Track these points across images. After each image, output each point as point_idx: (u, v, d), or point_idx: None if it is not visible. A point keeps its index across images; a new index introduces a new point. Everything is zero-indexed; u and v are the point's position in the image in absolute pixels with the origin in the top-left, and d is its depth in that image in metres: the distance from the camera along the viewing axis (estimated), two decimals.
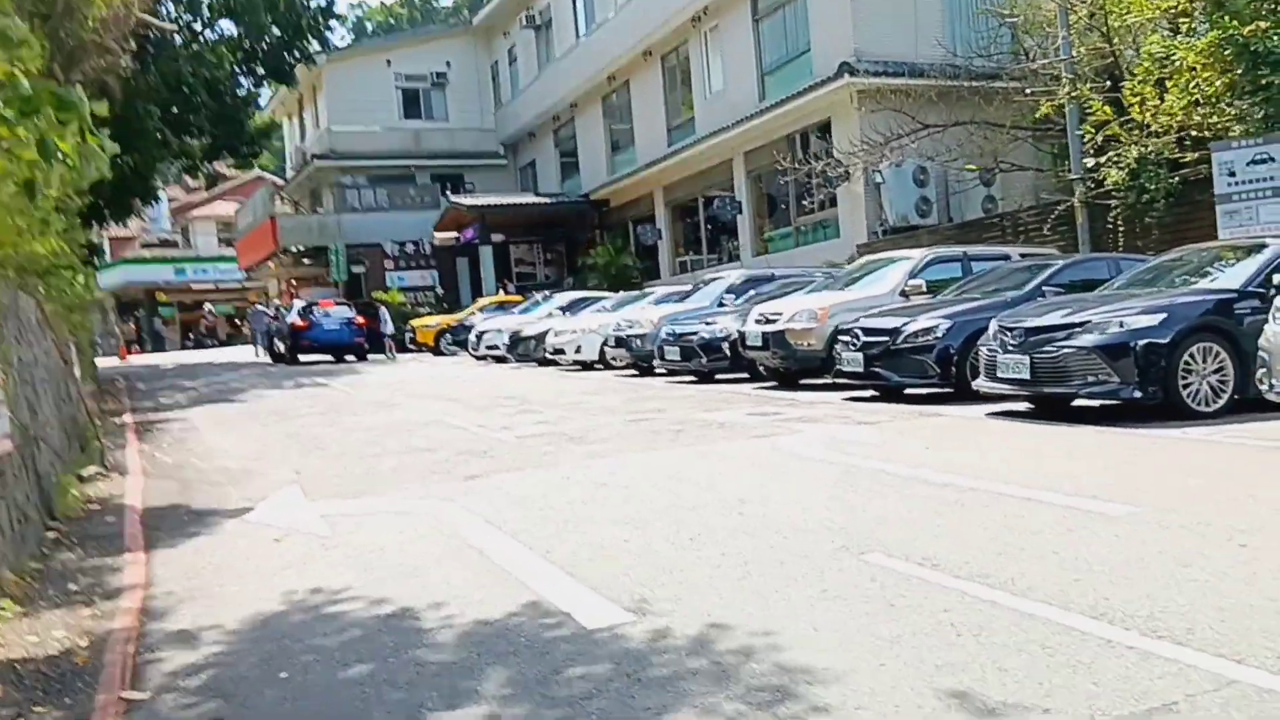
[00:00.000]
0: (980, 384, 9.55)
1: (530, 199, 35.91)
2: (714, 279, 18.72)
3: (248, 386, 20.47)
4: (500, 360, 24.43)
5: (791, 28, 24.81)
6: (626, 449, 9.04)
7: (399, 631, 4.35)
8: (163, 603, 5.17)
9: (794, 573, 4.68)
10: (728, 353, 15.00)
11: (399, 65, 40.24)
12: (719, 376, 15.78)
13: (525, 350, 21.89)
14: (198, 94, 27.95)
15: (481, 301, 31.39)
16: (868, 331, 11.20)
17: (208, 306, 52.39)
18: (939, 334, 10.62)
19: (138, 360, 40.78)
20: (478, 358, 25.82)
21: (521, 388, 16.67)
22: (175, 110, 28.08)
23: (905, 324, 10.87)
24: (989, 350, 9.28)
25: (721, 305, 17.26)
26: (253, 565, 5.87)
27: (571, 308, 23.87)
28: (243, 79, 32.27)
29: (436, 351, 30.18)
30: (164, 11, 28.55)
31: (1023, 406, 9.92)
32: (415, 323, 31.67)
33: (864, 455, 7.81)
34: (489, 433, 10.88)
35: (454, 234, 36.23)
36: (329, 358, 29.23)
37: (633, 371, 18.55)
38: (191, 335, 52.53)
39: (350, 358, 29.30)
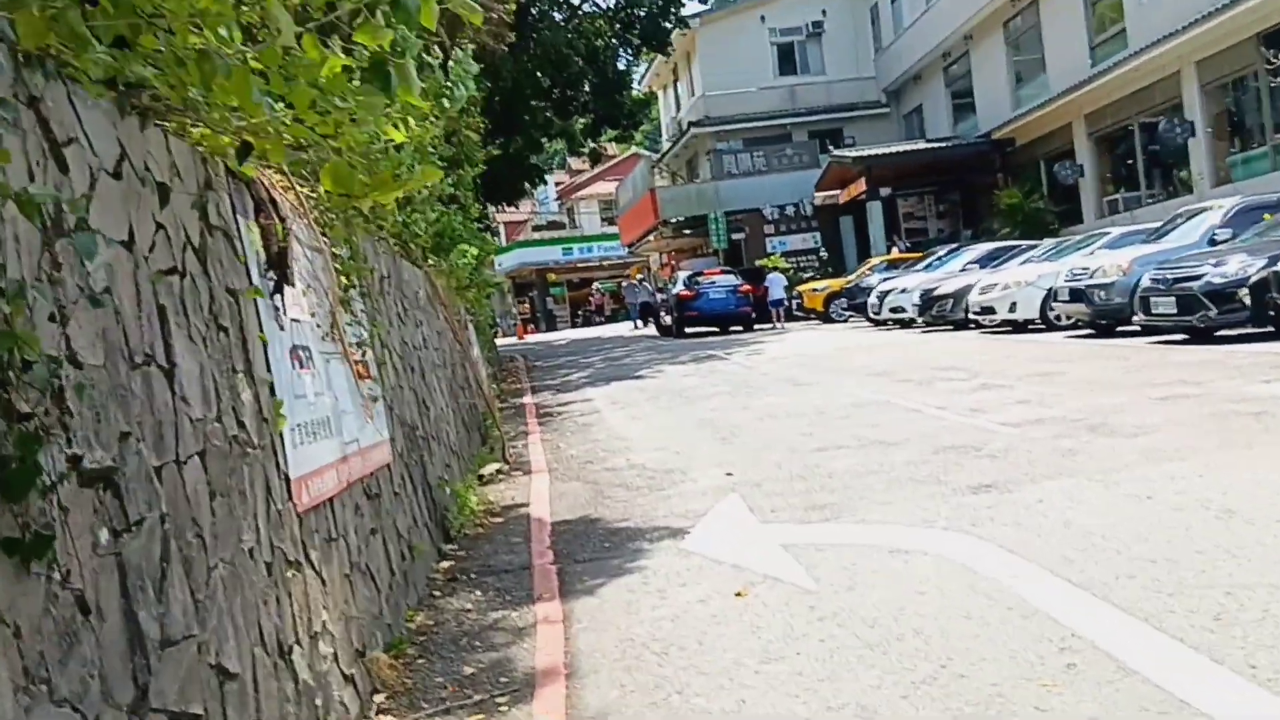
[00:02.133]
0: None
1: (920, 145, 32.55)
2: (1194, 212, 14.80)
3: (642, 363, 19.31)
4: (904, 324, 21.67)
5: None
6: (1194, 445, 6.15)
7: None
8: None
9: None
10: (1246, 302, 11.35)
11: (772, 20, 38.21)
12: (1221, 334, 12.15)
13: (941, 311, 18.97)
14: (577, 66, 27.56)
15: (871, 261, 28.66)
16: None
17: (596, 285, 53.83)
18: None
19: (533, 338, 42.24)
20: (877, 322, 23.22)
21: (956, 355, 13.91)
22: (557, 89, 27.93)
23: None
24: None
25: (1214, 242, 13.47)
26: (714, 649, 3.81)
27: (989, 260, 20.59)
28: (621, 51, 31.86)
29: (825, 318, 27.89)
30: None
31: None
32: (802, 288, 29.56)
33: None
34: (958, 418, 8.34)
35: (837, 191, 33.76)
36: (714, 329, 27.87)
37: (1087, 331, 15.14)
38: (580, 312, 54.20)
39: (737, 328, 27.75)
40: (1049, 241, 19.57)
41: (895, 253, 29.25)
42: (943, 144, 31.92)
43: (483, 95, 18.89)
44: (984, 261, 20.69)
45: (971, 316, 17.59)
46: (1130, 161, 25.48)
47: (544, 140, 27.79)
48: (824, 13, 38.27)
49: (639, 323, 40.83)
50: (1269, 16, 18.92)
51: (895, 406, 9.39)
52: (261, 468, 2.97)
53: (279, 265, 3.33)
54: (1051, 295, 15.41)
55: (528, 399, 14.93)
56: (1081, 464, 5.97)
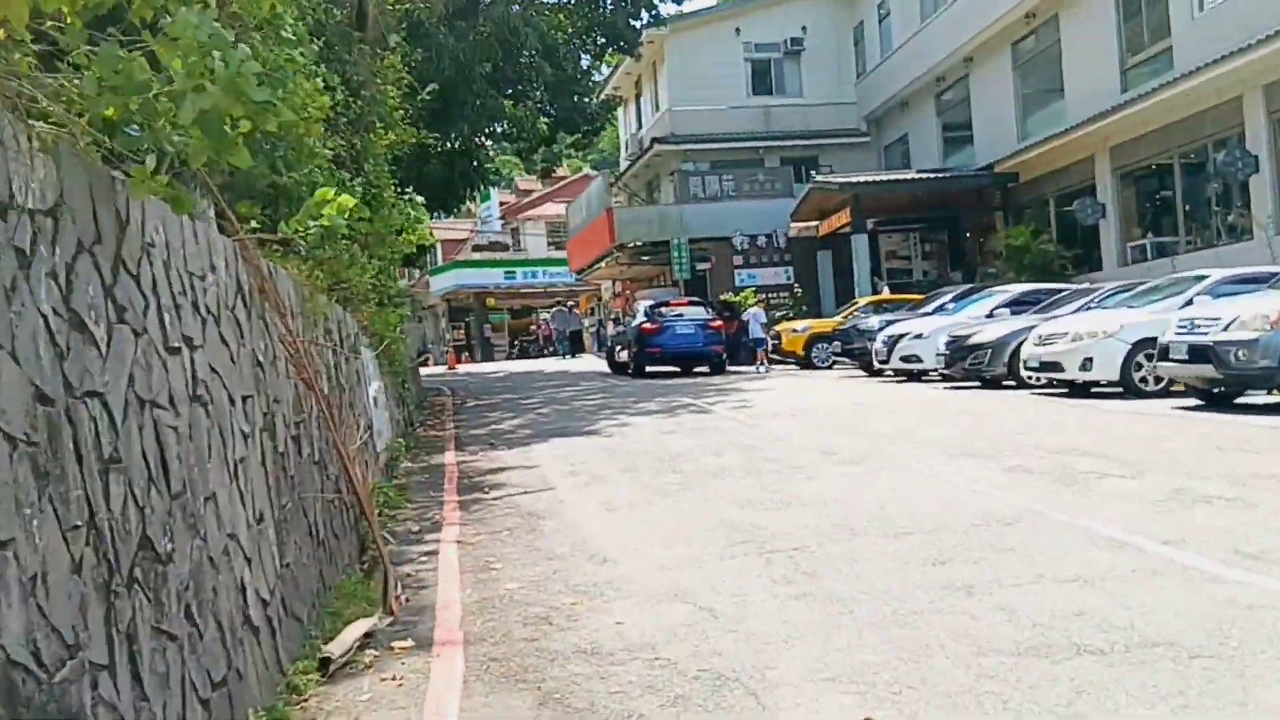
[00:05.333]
0: None
1: (913, 175, 29.17)
2: None
3: (597, 408, 15.27)
4: (913, 377, 18.00)
5: None
6: None
7: None
8: None
9: None
10: None
11: (749, 33, 34.76)
12: None
13: (976, 364, 15.25)
14: (533, 55, 23.62)
15: (859, 302, 25.05)
16: None
17: (544, 316, 49.84)
18: None
19: (466, 369, 37.88)
20: (873, 371, 19.55)
21: (1038, 428, 10.12)
22: (508, 82, 23.95)
23: None
24: None
25: None
26: None
27: (1021, 306, 17.04)
28: (582, 55, 28.04)
29: (805, 363, 24.05)
30: None
31: None
32: (780, 327, 25.76)
33: None
34: (1268, 581, 4.46)
35: (815, 223, 30.22)
36: (676, 369, 23.75)
37: (1192, 402, 11.51)
38: (518, 342, 49.93)
39: (703, 369, 23.72)
40: (1108, 285, 16.01)
41: (886, 292, 25.71)
42: (938, 175, 28.58)
43: (405, 58, 14.81)
44: (1014, 307, 17.13)
45: (1027, 371, 13.86)
46: (1176, 199, 22.04)
47: (491, 132, 23.66)
48: (804, 29, 34.93)
49: (568, 355, 37.56)
50: None
51: (1082, 532, 5.47)
52: None
53: None
54: (1153, 351, 11.76)
55: (449, 456, 10.80)
56: None
